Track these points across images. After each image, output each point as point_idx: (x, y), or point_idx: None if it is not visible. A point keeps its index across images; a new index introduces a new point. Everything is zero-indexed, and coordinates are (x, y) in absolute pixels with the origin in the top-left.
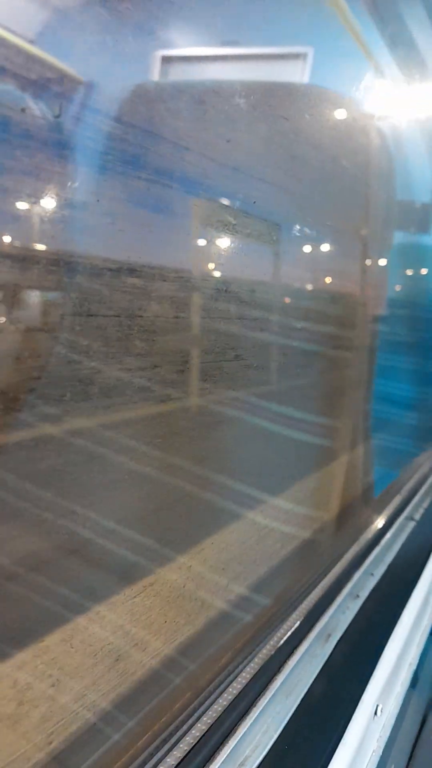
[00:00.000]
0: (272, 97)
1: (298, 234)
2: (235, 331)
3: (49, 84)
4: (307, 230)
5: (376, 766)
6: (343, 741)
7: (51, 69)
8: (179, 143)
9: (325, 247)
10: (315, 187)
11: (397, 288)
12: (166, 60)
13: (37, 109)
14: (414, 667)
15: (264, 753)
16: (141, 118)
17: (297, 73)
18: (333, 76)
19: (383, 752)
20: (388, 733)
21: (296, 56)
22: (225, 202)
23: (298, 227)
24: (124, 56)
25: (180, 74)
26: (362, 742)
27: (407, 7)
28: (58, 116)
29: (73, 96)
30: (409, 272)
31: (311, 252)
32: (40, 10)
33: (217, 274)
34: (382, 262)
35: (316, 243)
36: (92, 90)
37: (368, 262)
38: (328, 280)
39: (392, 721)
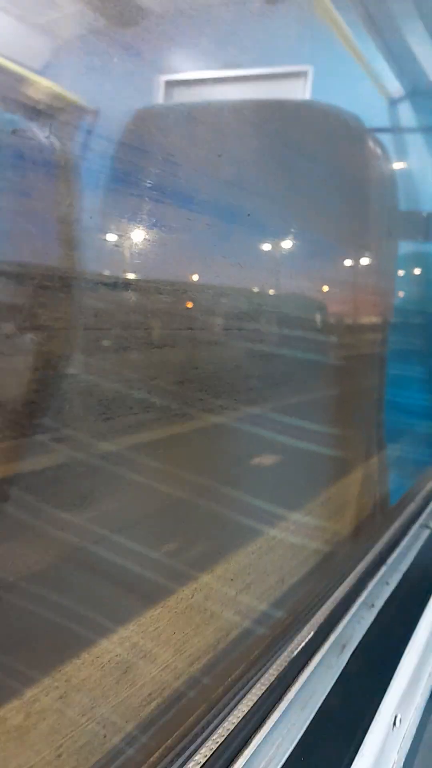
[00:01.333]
0: (273, 114)
1: (293, 244)
2: (237, 344)
3: (38, 106)
4: (304, 240)
5: None
6: (360, 752)
7: (40, 91)
8: (171, 160)
9: (328, 258)
10: (316, 201)
11: (405, 296)
12: (163, 83)
13: (28, 130)
14: None
15: (279, 767)
16: (133, 138)
17: (298, 91)
18: (332, 91)
19: (404, 764)
20: (408, 745)
21: (297, 74)
22: (220, 215)
23: (293, 237)
24: (112, 78)
25: (174, 96)
26: (381, 754)
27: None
28: (48, 137)
29: (64, 117)
30: (418, 281)
31: (311, 262)
32: (37, 36)
33: (214, 285)
34: (388, 271)
35: (316, 253)
36: (83, 111)
37: (373, 271)
38: (331, 290)
39: (413, 732)
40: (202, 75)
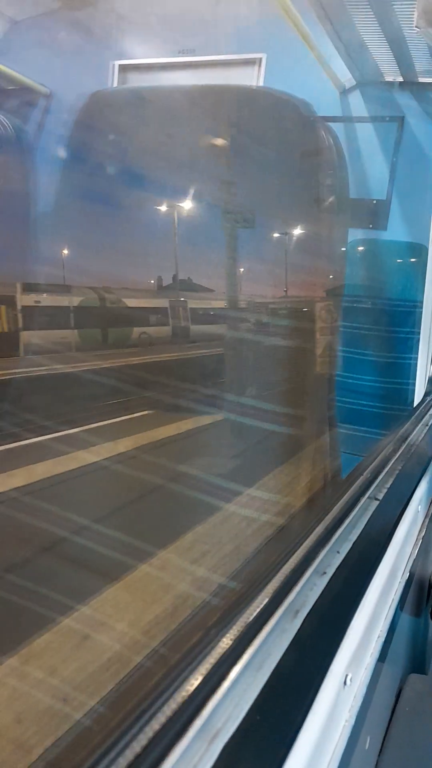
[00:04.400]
0: (224, 100)
1: (245, 229)
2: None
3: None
4: (256, 225)
5: (349, 735)
6: (313, 710)
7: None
8: (124, 143)
9: (280, 241)
10: (266, 184)
11: (357, 282)
12: (122, 69)
13: None
14: (383, 639)
15: (236, 725)
16: (98, 124)
17: (252, 77)
18: (285, 79)
19: (356, 722)
20: (359, 703)
21: (251, 62)
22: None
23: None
24: (81, 67)
25: (127, 80)
26: (333, 711)
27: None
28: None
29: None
30: (370, 267)
31: (260, 245)
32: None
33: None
34: (339, 256)
35: (266, 237)
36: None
37: (323, 256)
38: (280, 272)
39: (363, 691)
40: (156, 60)
